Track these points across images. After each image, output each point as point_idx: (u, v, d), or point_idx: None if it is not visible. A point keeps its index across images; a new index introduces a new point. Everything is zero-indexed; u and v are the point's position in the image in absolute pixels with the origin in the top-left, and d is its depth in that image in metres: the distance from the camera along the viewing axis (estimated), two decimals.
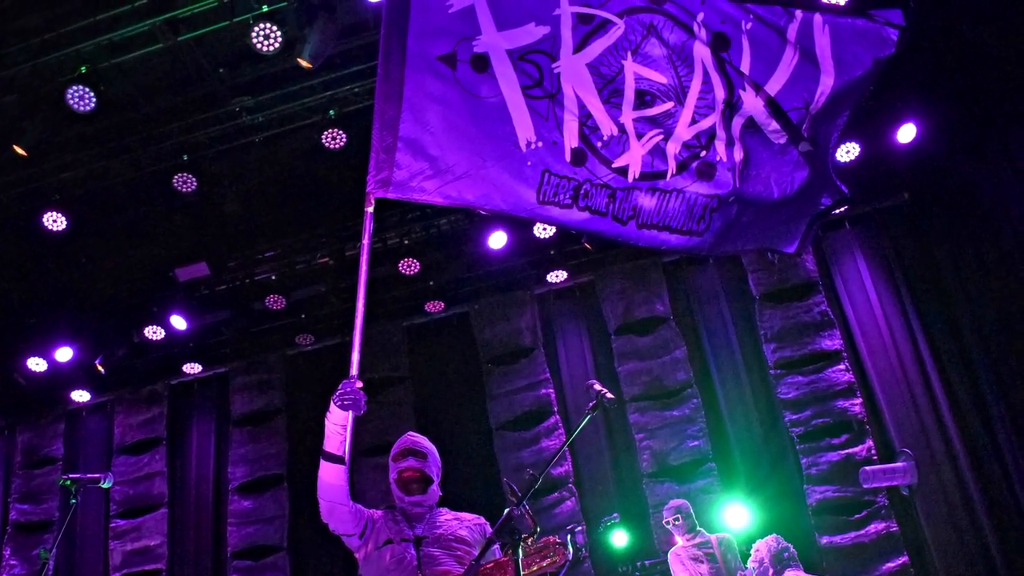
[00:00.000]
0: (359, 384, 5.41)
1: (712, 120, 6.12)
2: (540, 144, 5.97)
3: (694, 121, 6.13)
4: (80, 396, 16.27)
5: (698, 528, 11.03)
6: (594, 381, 5.53)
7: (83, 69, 10.27)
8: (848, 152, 12.54)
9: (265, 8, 9.93)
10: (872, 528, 12.77)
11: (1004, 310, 12.82)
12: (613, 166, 6.08)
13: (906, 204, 14.20)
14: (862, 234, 14.33)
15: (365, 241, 5.62)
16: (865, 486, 12.63)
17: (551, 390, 14.84)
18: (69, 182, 12.42)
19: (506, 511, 4.79)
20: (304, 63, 9.96)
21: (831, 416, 13.34)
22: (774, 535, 10.89)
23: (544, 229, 13.69)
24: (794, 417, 13.49)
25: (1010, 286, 12.74)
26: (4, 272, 14.20)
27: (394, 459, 6.08)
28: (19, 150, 10.58)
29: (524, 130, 5.96)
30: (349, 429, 5.45)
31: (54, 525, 15.85)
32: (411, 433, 6.29)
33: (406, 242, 14.52)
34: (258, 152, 12.61)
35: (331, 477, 5.55)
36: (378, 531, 5.82)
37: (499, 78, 5.92)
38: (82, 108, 10.32)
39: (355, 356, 5.45)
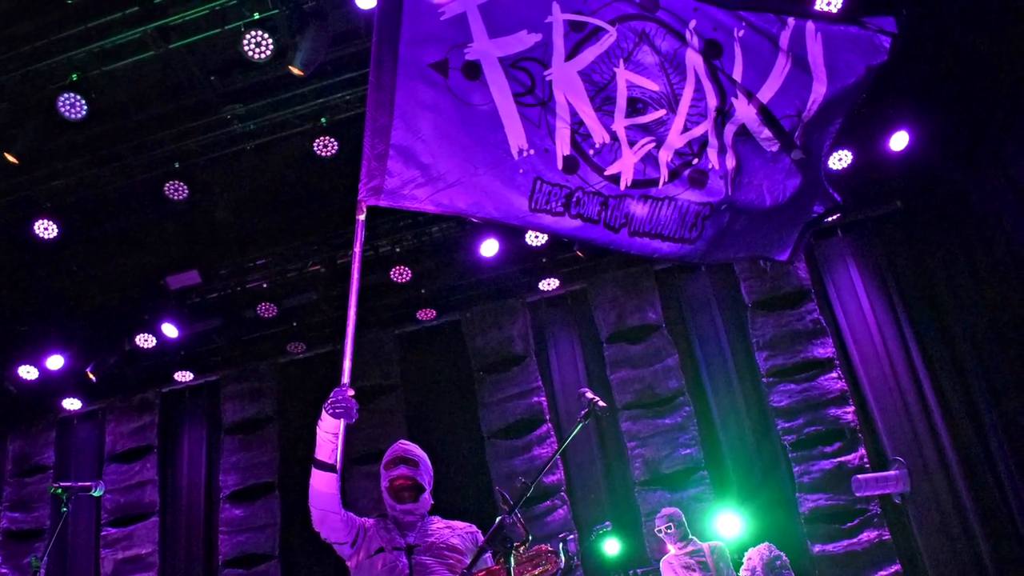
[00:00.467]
0: (351, 392, 5.38)
1: (704, 128, 6.11)
2: (532, 152, 5.95)
3: (686, 129, 6.12)
4: (71, 404, 16.25)
5: (690, 536, 11.01)
6: (586, 389, 5.55)
7: (74, 76, 10.28)
8: (840, 160, 12.55)
9: (256, 16, 9.94)
10: (865, 536, 12.76)
11: (997, 318, 12.83)
12: (605, 174, 6.06)
13: (899, 212, 14.20)
14: (855, 242, 14.33)
15: (357, 249, 5.59)
16: (858, 494, 12.64)
17: (543, 398, 14.83)
18: (60, 190, 12.41)
19: (498, 519, 4.79)
20: (295, 71, 9.96)
21: (823, 424, 13.33)
22: (766, 543, 10.94)
23: (536, 237, 13.69)
24: (786, 425, 13.49)
25: (1003, 294, 12.75)
26: None
27: (386, 467, 6.06)
28: (10, 158, 10.57)
29: (516, 138, 5.93)
30: (341, 437, 5.41)
31: (45, 533, 15.83)
32: (403, 441, 6.26)
33: (398, 250, 14.53)
34: (249, 160, 12.60)
35: (323, 485, 5.52)
36: (370, 539, 5.79)
37: (491, 85, 5.90)
38: (73, 116, 10.32)
39: (347, 364, 5.43)
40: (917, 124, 12.39)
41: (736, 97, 6.03)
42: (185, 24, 10.15)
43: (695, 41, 5.95)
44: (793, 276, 14.12)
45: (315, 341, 16.08)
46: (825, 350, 13.76)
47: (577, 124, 6.02)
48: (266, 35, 9.88)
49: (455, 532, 5.94)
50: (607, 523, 12.73)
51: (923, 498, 12.81)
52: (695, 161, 6.17)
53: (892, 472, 12.70)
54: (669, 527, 10.93)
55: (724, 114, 6.09)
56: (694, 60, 6.00)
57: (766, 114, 6.02)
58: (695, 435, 13.89)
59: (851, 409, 13.35)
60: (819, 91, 5.96)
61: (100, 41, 10.15)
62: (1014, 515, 12.28)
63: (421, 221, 14.31)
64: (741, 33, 5.94)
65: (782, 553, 10.85)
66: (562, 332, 15.57)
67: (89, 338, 15.03)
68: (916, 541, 12.78)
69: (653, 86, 6.07)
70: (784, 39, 5.92)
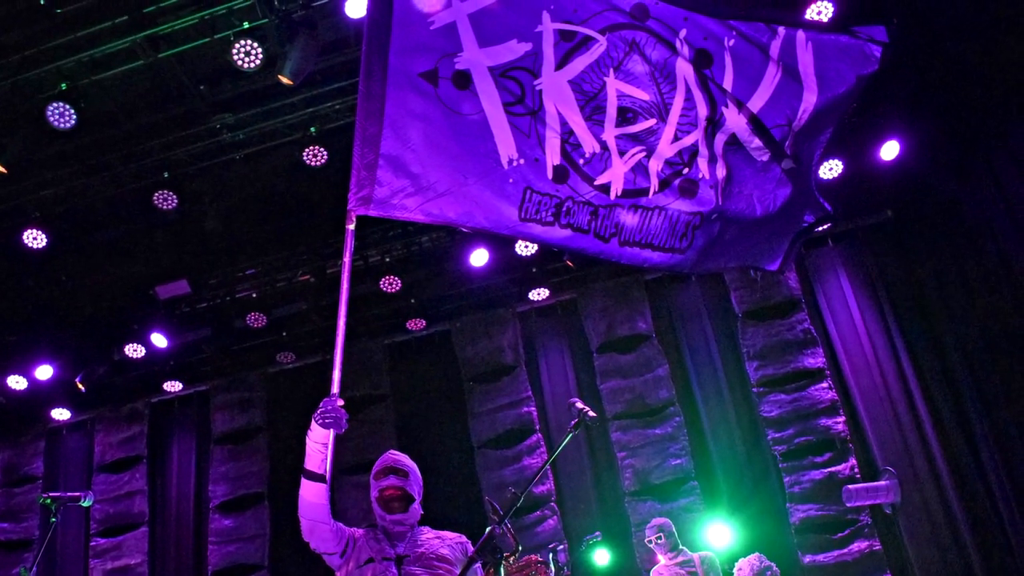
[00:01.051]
0: (340, 402, 5.36)
1: (695, 137, 6.10)
2: (522, 161, 5.94)
3: (676, 138, 6.11)
4: (60, 414, 16.21)
5: (680, 547, 10.97)
6: (576, 399, 5.53)
7: (63, 86, 10.25)
8: (831, 169, 12.54)
9: (246, 25, 9.92)
10: (855, 547, 12.75)
11: (987, 328, 12.83)
12: (595, 183, 6.05)
13: (889, 221, 14.20)
14: (845, 252, 14.34)
15: (346, 259, 5.59)
16: (848, 505, 12.63)
17: (533, 408, 14.81)
18: (49, 199, 12.38)
19: (488, 529, 4.77)
20: (285, 80, 9.93)
21: (814, 434, 13.32)
22: (757, 554, 10.90)
23: (526, 247, 13.66)
24: (777, 435, 13.47)
25: (994, 304, 12.76)
26: None
27: (375, 477, 6.03)
28: None
29: (506, 147, 5.93)
30: (330, 447, 5.39)
31: (34, 544, 15.79)
32: (392, 451, 6.24)
33: (387, 260, 14.51)
34: (239, 169, 12.58)
35: (312, 495, 5.50)
36: (359, 549, 5.76)
37: (481, 95, 5.88)
38: (62, 125, 10.29)
39: (336, 374, 5.41)
40: (908, 134, 12.38)
41: (726, 106, 6.02)
42: (174, 33, 10.12)
43: (685, 50, 5.94)
44: (783, 286, 14.12)
45: (305, 351, 16.04)
46: (815, 360, 13.75)
47: (567, 134, 6.01)
48: (255, 44, 9.85)
49: (445, 542, 5.91)
50: (597, 533, 12.65)
51: (914, 508, 12.80)
52: (685, 171, 6.16)
53: (883, 482, 12.69)
54: (659, 537, 10.89)
55: (714, 123, 6.08)
56: (684, 69, 5.99)
57: (756, 123, 6.02)
58: (685, 445, 13.87)
59: (841, 419, 13.35)
60: (810, 100, 5.95)
61: (89, 51, 10.12)
62: (1005, 525, 12.28)
63: (411, 231, 14.30)
64: (731, 42, 5.93)
65: (772, 564, 10.82)
66: (552, 342, 15.55)
67: (78, 348, 14.99)
68: (907, 551, 12.76)
69: (643, 95, 6.06)
70: (774, 48, 5.90)
